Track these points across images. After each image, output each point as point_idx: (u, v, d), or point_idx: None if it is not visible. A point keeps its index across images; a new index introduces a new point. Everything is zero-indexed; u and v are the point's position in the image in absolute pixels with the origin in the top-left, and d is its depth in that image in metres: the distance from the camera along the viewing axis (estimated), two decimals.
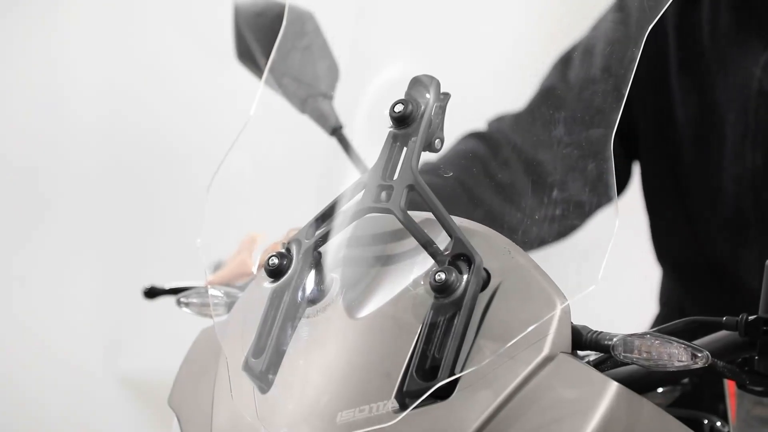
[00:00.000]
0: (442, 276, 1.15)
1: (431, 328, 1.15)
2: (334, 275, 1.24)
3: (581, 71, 1.58)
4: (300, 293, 1.23)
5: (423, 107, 1.26)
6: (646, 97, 1.91)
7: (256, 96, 1.42)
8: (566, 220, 1.50)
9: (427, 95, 1.26)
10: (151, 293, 1.80)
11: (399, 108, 1.25)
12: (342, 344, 1.19)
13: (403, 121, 1.25)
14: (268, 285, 1.24)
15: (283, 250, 1.25)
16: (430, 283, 1.16)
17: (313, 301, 1.23)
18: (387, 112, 1.27)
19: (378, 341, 1.18)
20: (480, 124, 1.96)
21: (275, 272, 1.24)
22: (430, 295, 1.16)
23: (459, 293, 1.15)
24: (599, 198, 1.49)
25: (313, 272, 1.24)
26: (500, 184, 1.64)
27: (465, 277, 1.16)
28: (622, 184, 2.02)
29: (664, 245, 1.99)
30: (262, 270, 1.26)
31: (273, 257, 1.24)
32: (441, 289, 1.15)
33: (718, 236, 1.87)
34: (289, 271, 1.24)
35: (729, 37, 1.81)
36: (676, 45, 1.88)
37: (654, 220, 2.00)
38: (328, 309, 1.21)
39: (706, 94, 1.81)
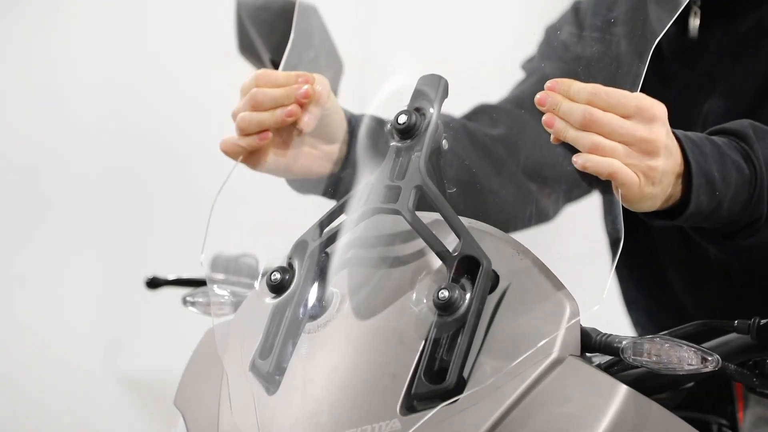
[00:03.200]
0: (446, 294, 1.13)
1: (435, 343, 1.13)
2: (334, 289, 1.22)
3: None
4: (302, 309, 1.21)
5: (427, 120, 1.24)
6: None
7: None
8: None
9: (434, 95, 1.25)
10: (153, 284, 1.80)
11: (403, 119, 1.23)
12: (344, 361, 1.17)
13: (407, 132, 1.23)
14: (269, 300, 1.23)
15: (285, 265, 1.24)
16: (433, 300, 1.14)
17: (313, 316, 1.21)
18: (394, 102, 1.26)
19: (380, 358, 1.16)
20: None
21: (277, 287, 1.23)
22: (433, 312, 1.15)
23: (462, 311, 1.13)
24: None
25: (315, 287, 1.22)
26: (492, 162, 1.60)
27: (468, 295, 1.14)
28: None
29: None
30: (263, 281, 1.25)
31: (275, 272, 1.23)
32: (444, 307, 1.13)
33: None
34: (291, 287, 1.22)
35: (675, 90, 1.71)
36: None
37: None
38: (328, 325, 1.20)
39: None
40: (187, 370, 1.34)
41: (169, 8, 3.55)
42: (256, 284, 1.30)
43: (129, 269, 3.35)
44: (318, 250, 1.23)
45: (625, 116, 1.17)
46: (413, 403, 1.13)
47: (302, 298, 1.21)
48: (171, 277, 1.80)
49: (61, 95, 3.57)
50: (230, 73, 2.77)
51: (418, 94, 1.26)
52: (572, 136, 1.18)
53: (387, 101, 1.41)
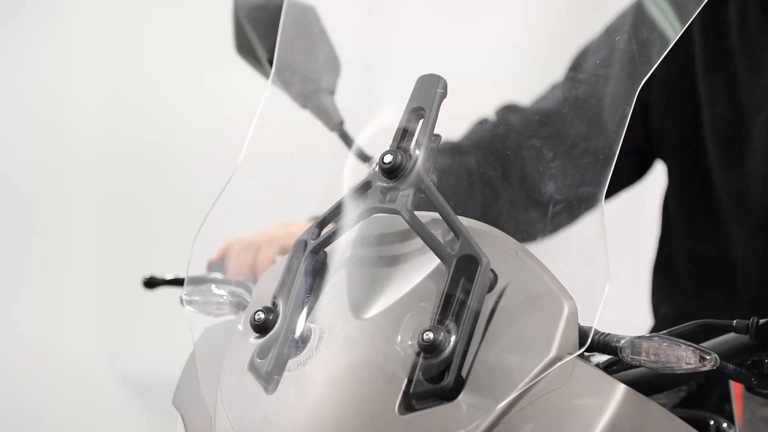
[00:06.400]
0: (431, 335, 1.12)
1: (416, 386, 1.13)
2: (312, 325, 1.21)
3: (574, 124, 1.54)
4: (285, 350, 1.20)
5: (413, 160, 1.23)
6: (671, 98, 1.88)
7: (264, 95, 1.41)
8: (557, 219, 1.50)
9: (431, 104, 1.24)
10: (151, 283, 1.80)
11: (388, 158, 1.22)
12: (325, 402, 1.15)
13: (393, 172, 1.22)
14: (253, 341, 1.23)
15: (270, 305, 1.23)
16: (418, 342, 1.13)
17: (294, 353, 1.20)
18: (391, 102, 1.26)
19: (380, 361, 1.15)
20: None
21: (261, 327, 1.22)
22: (417, 354, 1.13)
23: (447, 353, 1.12)
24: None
25: (297, 326, 1.21)
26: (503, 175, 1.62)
27: (453, 338, 1.13)
28: (633, 179, 2.04)
29: (680, 246, 1.96)
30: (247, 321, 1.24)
31: (259, 312, 1.22)
32: (429, 349, 1.12)
33: (747, 238, 1.85)
34: (275, 327, 1.21)
35: (758, 36, 1.78)
36: (702, 45, 1.85)
37: (676, 222, 1.98)
38: (308, 363, 1.18)
39: (734, 95, 1.78)
40: (185, 369, 1.34)
41: (168, 10, 3.55)
42: (240, 326, 1.27)
43: (129, 270, 3.36)
44: (314, 249, 1.23)
45: None
46: (411, 402, 1.12)
47: (286, 339, 1.20)
48: (169, 276, 1.80)
49: (61, 96, 3.58)
50: (228, 74, 2.78)
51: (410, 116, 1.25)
52: None
53: (384, 95, 1.41)
